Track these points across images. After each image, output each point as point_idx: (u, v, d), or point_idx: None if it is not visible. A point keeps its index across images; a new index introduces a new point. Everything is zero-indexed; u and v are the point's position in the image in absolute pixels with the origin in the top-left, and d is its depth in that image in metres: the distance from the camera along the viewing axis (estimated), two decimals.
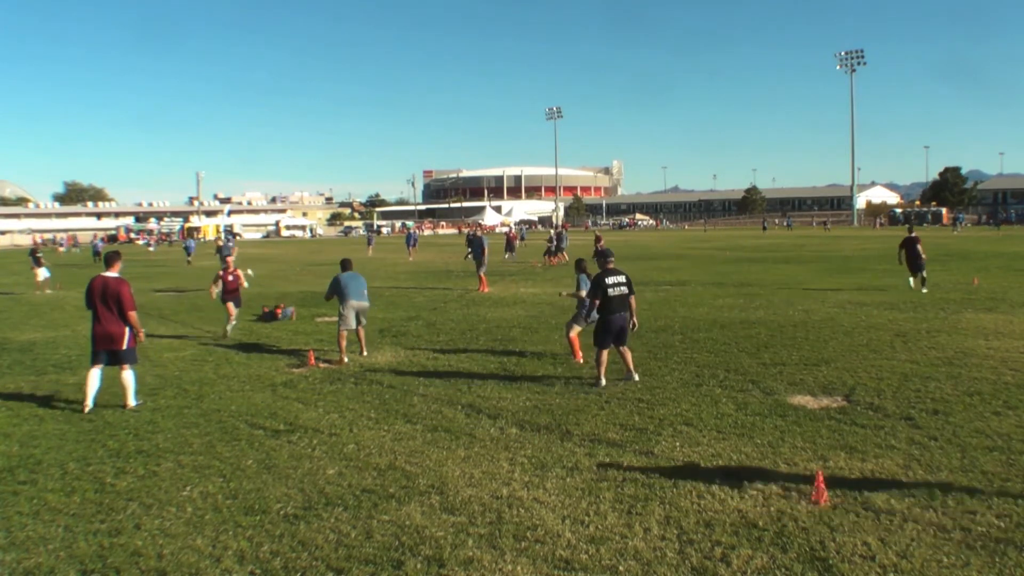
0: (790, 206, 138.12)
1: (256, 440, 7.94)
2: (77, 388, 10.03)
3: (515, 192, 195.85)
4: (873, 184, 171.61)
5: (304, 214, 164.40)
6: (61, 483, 6.76)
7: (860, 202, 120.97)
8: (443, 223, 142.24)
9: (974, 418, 8.10)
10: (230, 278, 15.74)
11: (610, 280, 9.97)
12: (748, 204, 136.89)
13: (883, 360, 11.26)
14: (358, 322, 12.51)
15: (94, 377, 9.29)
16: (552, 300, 19.33)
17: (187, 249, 46.13)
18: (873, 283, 22.88)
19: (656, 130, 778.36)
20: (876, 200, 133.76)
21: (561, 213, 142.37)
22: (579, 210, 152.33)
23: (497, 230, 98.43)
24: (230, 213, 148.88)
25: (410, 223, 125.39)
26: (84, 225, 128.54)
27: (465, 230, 66.86)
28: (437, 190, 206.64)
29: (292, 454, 7.46)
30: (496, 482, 6.53)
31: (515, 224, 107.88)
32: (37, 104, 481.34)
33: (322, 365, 11.84)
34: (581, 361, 11.61)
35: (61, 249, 74.39)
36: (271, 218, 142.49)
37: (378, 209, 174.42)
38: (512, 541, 5.36)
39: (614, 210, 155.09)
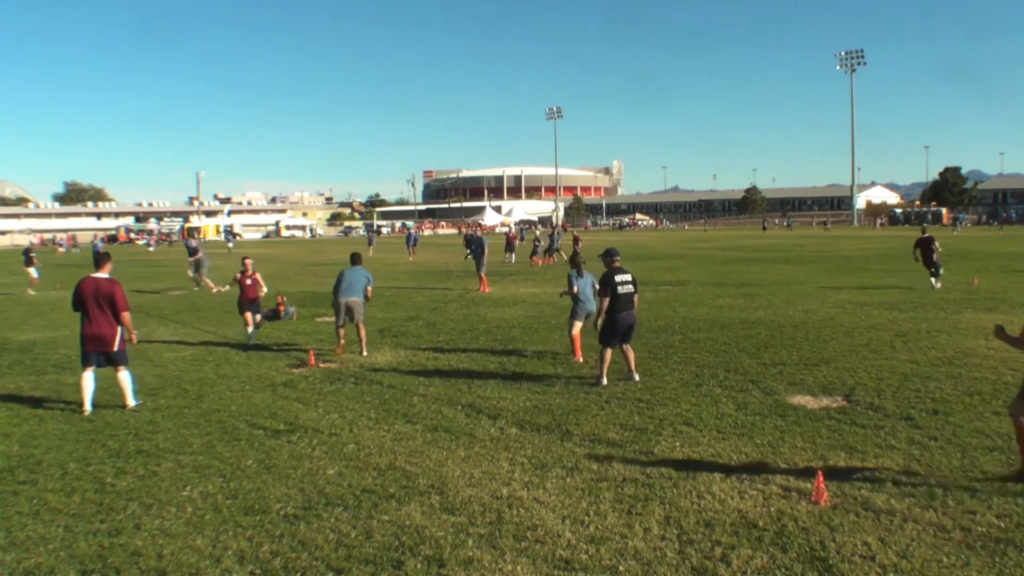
0: (790, 206, 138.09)
1: (256, 440, 7.94)
2: (77, 388, 10.00)
3: (515, 192, 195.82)
4: (873, 184, 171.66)
5: (304, 214, 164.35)
6: (61, 483, 6.76)
7: (860, 202, 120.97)
8: (443, 223, 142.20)
9: (974, 418, 8.10)
10: (248, 282, 13.91)
11: (618, 278, 9.99)
12: (748, 204, 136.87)
13: (883, 360, 11.26)
14: (349, 318, 12.55)
15: (88, 380, 9.24)
16: (552, 300, 19.33)
17: (189, 248, 46.11)
18: (873, 283, 22.89)
19: (656, 130, 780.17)
20: (876, 200, 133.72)
21: (561, 213, 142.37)
22: (579, 210, 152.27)
23: (497, 230, 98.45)
24: (230, 213, 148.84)
25: (410, 223, 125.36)
26: (84, 225, 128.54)
27: (465, 230, 66.74)
28: (437, 190, 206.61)
29: (292, 454, 7.46)
30: (496, 482, 6.53)
31: (515, 224, 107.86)
32: (37, 104, 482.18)
33: (322, 365, 11.84)
34: (581, 360, 11.62)
35: (61, 250, 74.27)
36: (271, 218, 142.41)
37: (378, 209, 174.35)
38: (512, 541, 5.36)
39: (614, 210, 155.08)
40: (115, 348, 9.22)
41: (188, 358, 12.83)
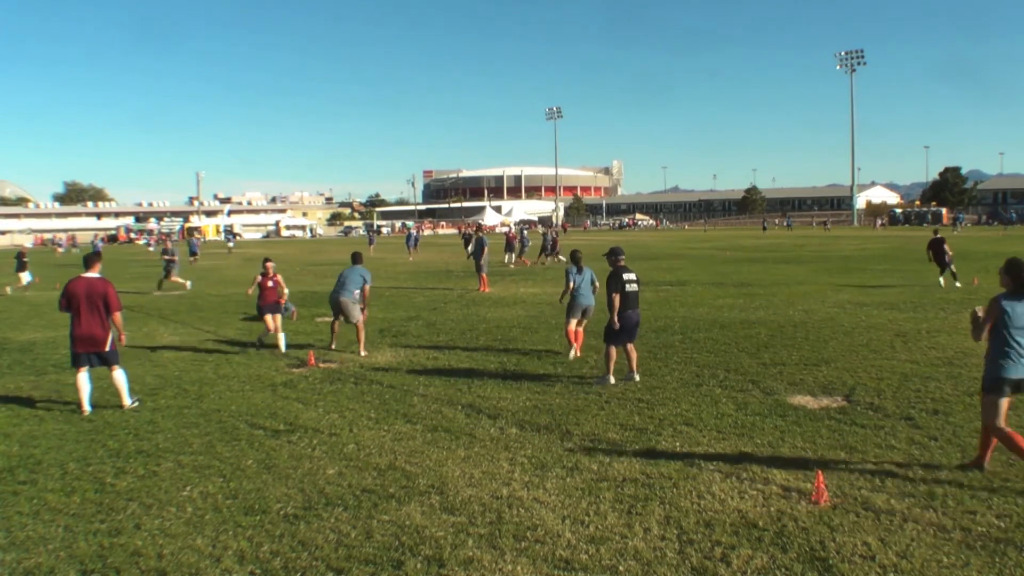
0: (790, 206, 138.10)
1: (256, 440, 7.94)
2: (75, 389, 10.01)
3: (515, 192, 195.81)
4: (873, 184, 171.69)
5: (304, 214, 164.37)
6: (61, 483, 6.76)
7: (860, 202, 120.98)
8: (443, 223, 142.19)
9: (974, 418, 8.08)
10: (269, 284, 13.51)
11: (625, 276, 10.01)
12: (748, 204, 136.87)
13: (883, 360, 11.26)
14: (344, 317, 12.69)
15: (83, 381, 9.21)
16: (552, 300, 19.31)
17: (191, 248, 46.23)
18: (873, 283, 22.88)
19: (656, 130, 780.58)
20: (876, 200, 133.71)
21: (561, 213, 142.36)
22: (579, 210, 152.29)
23: (497, 230, 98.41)
24: (230, 213, 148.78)
25: (410, 223, 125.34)
26: (84, 225, 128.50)
27: (465, 230, 66.66)
28: (437, 190, 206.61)
29: (292, 454, 7.46)
30: (496, 482, 6.53)
31: (515, 224, 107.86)
32: (37, 104, 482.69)
33: (322, 365, 11.85)
34: (579, 354, 11.70)
35: (60, 250, 74.22)
36: (271, 218, 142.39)
37: (378, 209, 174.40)
38: (512, 541, 5.36)
39: (614, 210, 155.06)
40: (107, 348, 9.19)
41: (188, 358, 12.83)
